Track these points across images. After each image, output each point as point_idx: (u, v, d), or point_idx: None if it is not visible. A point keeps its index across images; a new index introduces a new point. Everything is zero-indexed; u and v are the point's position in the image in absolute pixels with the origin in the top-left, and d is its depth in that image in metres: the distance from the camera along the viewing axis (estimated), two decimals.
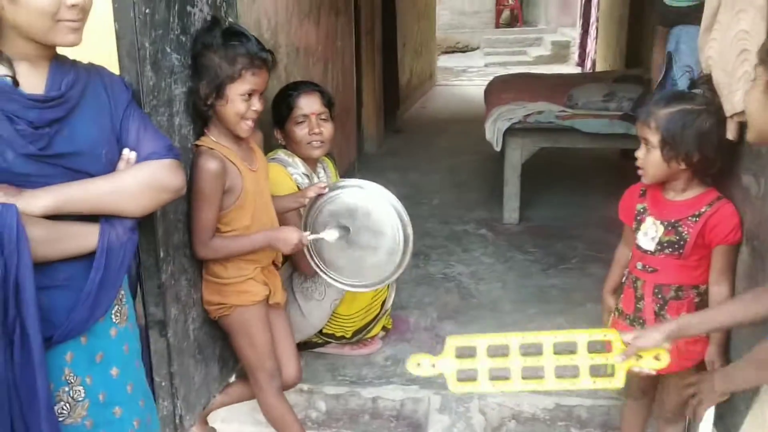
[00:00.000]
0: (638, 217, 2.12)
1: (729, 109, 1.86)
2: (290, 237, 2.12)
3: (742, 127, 1.92)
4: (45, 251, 1.42)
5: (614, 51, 8.19)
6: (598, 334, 1.79)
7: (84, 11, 1.46)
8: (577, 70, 10.49)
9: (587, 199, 4.69)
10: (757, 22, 1.76)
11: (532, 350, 1.78)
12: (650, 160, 1.99)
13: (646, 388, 2.22)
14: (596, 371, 1.77)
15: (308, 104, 2.59)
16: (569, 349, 1.78)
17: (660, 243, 2.03)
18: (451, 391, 1.81)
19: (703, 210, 1.98)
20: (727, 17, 1.90)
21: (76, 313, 1.50)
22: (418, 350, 2.87)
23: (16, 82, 1.42)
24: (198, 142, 2.05)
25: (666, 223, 2.03)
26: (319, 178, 2.69)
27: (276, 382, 2.25)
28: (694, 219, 1.98)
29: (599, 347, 1.79)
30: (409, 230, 2.24)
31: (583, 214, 4.40)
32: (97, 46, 1.87)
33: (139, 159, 1.58)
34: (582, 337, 1.78)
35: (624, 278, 2.21)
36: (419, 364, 1.81)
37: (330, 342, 2.84)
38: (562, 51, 13.01)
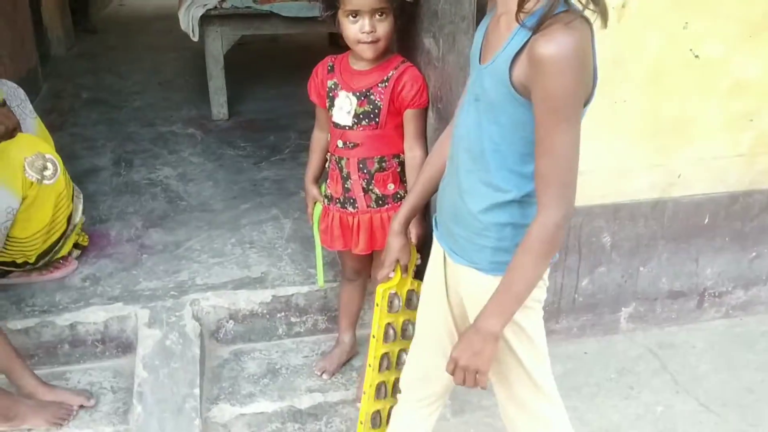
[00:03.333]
0: (330, 94, 2.03)
1: None
2: None
3: None
4: None
5: None
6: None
7: None
8: None
9: (298, 89, 4.57)
10: None
11: None
12: (387, 28, 1.87)
13: (359, 269, 2.22)
14: None
15: None
16: None
17: (356, 116, 1.96)
18: None
19: (390, 74, 1.93)
20: None
21: None
22: (120, 264, 2.61)
23: None
24: None
25: (358, 93, 1.95)
26: None
27: None
28: (384, 84, 1.93)
29: None
30: None
31: (295, 105, 4.28)
32: None
33: None
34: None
35: (327, 163, 2.13)
36: None
37: (13, 271, 2.44)
38: None
